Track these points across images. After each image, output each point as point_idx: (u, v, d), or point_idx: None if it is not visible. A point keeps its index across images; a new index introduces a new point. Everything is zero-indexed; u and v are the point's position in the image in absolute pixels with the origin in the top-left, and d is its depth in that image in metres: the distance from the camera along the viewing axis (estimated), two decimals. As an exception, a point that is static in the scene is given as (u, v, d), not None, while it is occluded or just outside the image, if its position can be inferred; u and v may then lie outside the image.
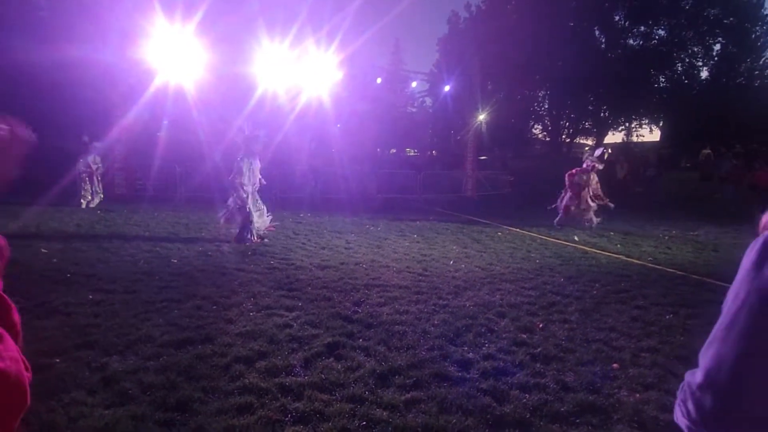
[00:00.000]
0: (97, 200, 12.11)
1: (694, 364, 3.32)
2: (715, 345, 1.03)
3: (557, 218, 11.24)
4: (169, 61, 13.55)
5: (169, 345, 3.66)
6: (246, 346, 3.69)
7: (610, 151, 11.46)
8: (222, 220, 8.30)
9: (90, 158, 12.09)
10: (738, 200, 15.19)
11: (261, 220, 8.27)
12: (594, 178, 11.07)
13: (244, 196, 7.91)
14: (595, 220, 10.96)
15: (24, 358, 0.65)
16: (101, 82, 14.34)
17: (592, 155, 11.25)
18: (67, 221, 9.32)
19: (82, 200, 11.82)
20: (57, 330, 3.85)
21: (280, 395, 2.99)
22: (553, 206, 11.54)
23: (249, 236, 7.98)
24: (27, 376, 0.64)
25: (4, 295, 0.70)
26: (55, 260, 6.17)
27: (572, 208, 10.96)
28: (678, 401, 1.08)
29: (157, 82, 13.68)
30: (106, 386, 3.02)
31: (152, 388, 3.00)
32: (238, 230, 8.08)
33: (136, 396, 2.91)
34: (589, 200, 10.96)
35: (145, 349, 3.56)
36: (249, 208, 7.96)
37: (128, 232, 8.66)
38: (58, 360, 3.31)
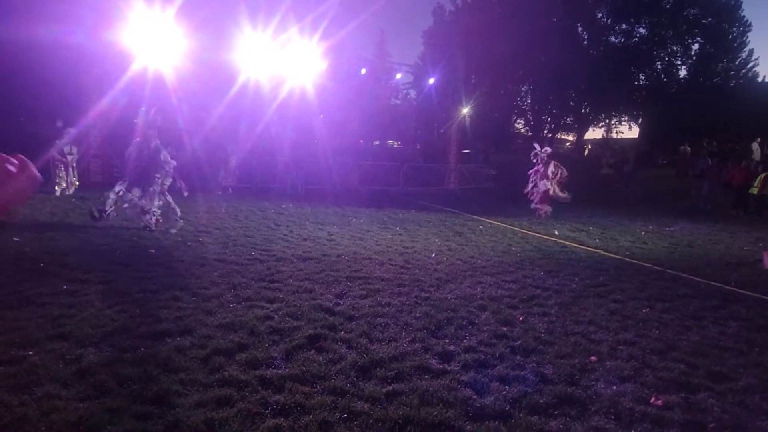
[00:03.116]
0: (72, 189, 11.76)
1: (671, 358, 3.39)
2: None
3: (539, 210, 11.90)
4: (147, 46, 13.15)
5: (147, 337, 3.58)
6: (226, 338, 3.64)
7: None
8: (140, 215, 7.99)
9: (66, 147, 11.70)
10: (713, 198, 15.60)
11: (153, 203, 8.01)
12: (552, 169, 11.92)
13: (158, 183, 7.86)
14: (548, 210, 11.89)
15: None
16: (74, 65, 13.83)
17: (541, 152, 12.20)
18: (40, 209, 9.02)
19: (56, 187, 11.46)
20: (30, 321, 3.73)
21: (260, 388, 2.96)
22: (531, 199, 12.32)
23: (151, 220, 7.77)
24: None
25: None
26: (27, 249, 5.98)
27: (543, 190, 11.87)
28: None
29: (135, 68, 13.27)
30: (81, 379, 2.94)
31: (129, 381, 2.93)
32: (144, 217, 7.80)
33: (111, 389, 2.85)
34: (554, 188, 11.82)
35: (122, 341, 3.48)
36: (155, 191, 7.86)
37: (104, 221, 8.43)
38: (30, 352, 3.21)
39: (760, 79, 35.60)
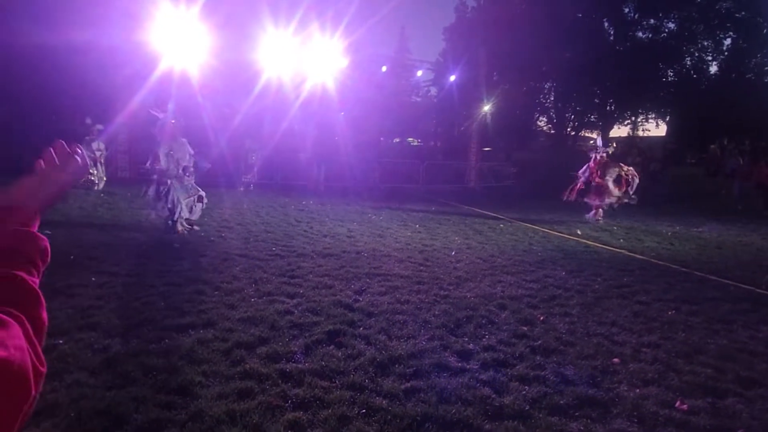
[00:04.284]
0: (101, 184, 12.11)
1: (697, 362, 3.30)
2: None
3: (590, 213, 10.86)
4: (173, 45, 13.44)
5: (171, 329, 3.67)
6: (247, 332, 3.70)
7: (615, 145, 11.26)
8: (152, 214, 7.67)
9: (94, 144, 12.05)
10: (744, 198, 15.08)
11: (187, 209, 7.48)
12: (609, 169, 10.64)
13: (167, 183, 7.26)
14: (600, 214, 10.76)
15: (41, 354, 0.64)
16: (106, 66, 14.25)
17: (597, 147, 11.05)
18: (70, 203, 9.32)
19: (94, 181, 11.84)
20: (60, 311, 3.86)
21: (280, 381, 3.01)
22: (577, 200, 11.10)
23: (174, 226, 7.25)
24: (41, 371, 0.63)
25: (39, 291, 0.70)
26: (58, 242, 6.18)
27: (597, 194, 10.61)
28: None
29: (162, 67, 13.58)
30: (108, 368, 3.03)
31: (153, 371, 3.01)
32: (164, 219, 7.40)
33: (137, 378, 2.93)
34: (612, 188, 10.50)
35: (147, 333, 3.58)
36: (174, 197, 7.22)
37: (131, 215, 8.68)
38: (61, 341, 3.33)
39: (796, 75, 34.21)
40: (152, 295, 4.40)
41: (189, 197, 7.53)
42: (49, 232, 6.59)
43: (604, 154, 10.76)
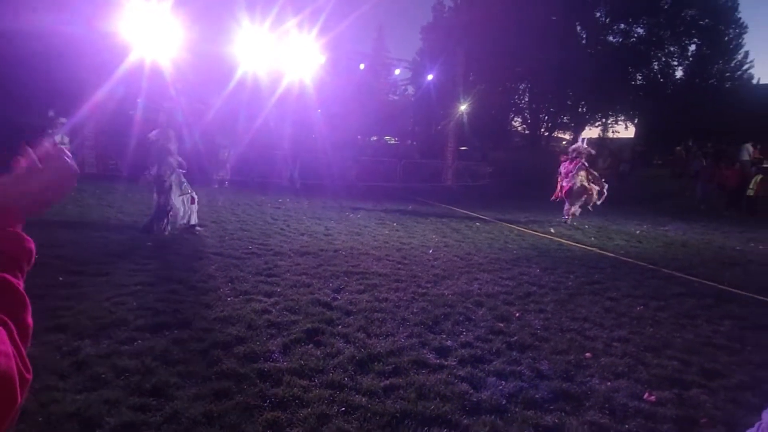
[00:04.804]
0: None
1: (664, 356, 3.42)
2: None
3: (565, 207, 10.76)
4: (144, 36, 13.05)
5: (144, 329, 3.58)
6: (224, 331, 3.64)
7: (586, 145, 11.19)
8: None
9: (57, 137, 11.62)
10: (707, 198, 15.72)
11: (184, 208, 7.29)
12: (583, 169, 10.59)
13: (167, 186, 7.06)
14: (575, 213, 10.66)
15: (26, 360, 0.62)
16: (68, 55, 13.70)
17: (581, 146, 10.84)
18: (35, 200, 8.98)
19: None
20: (25, 312, 3.72)
21: (258, 381, 2.98)
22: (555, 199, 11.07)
23: (161, 226, 7.00)
24: (27, 378, 0.60)
25: (24, 294, 0.67)
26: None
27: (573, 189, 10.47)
28: None
29: (132, 59, 13.17)
30: (78, 371, 2.94)
31: (126, 373, 2.94)
32: (148, 218, 7.19)
33: (109, 380, 2.85)
34: (587, 184, 10.45)
35: (119, 333, 3.48)
36: (168, 198, 7.04)
37: (100, 212, 8.41)
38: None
39: (755, 81, 35.78)
40: (124, 295, 4.28)
41: (182, 195, 7.27)
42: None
43: (583, 157, 10.59)
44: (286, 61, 16.15)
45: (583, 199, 10.52)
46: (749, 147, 18.52)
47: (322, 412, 2.69)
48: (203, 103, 15.64)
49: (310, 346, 3.54)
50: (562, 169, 10.84)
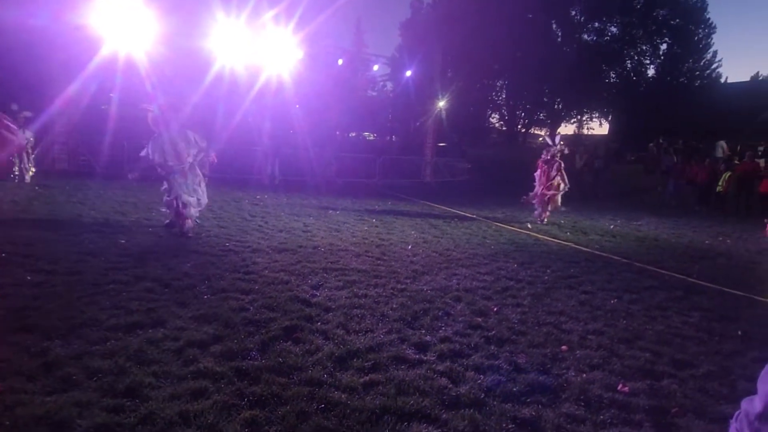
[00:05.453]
0: (28, 176, 11.25)
1: (637, 347, 3.52)
2: None
3: (536, 212, 10.53)
4: (116, 30, 12.66)
5: (117, 329, 3.49)
6: (200, 330, 3.58)
7: (563, 143, 11.16)
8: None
9: (20, 132, 11.19)
10: (678, 194, 16.19)
11: (196, 201, 7.08)
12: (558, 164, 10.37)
13: (170, 178, 6.87)
14: (546, 213, 10.44)
15: None
16: (36, 48, 13.21)
17: (554, 143, 10.58)
18: (1, 197, 8.64)
19: (15, 175, 11.00)
20: (-10, 313, 3.58)
21: (236, 379, 2.94)
22: (525, 199, 10.79)
23: (183, 223, 6.85)
24: None
25: None
26: (-13, 239, 5.72)
27: (545, 192, 10.29)
28: (732, 429, 1.03)
29: (104, 52, 12.77)
30: (48, 372, 2.84)
31: (99, 374, 2.86)
32: (171, 217, 7.03)
33: (80, 382, 2.77)
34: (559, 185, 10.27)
35: (91, 333, 3.38)
36: (177, 191, 6.84)
37: (71, 210, 8.15)
38: (-8, 345, 3.09)
39: (723, 80, 37.00)
40: (96, 294, 4.16)
41: (193, 181, 7.04)
42: (-23, 228, 6.08)
43: (556, 153, 10.38)
44: (263, 56, 15.92)
45: (552, 204, 10.40)
46: (723, 144, 19.04)
47: (301, 409, 2.67)
48: (180, 98, 15.29)
49: (289, 343, 3.51)
50: (540, 171, 10.48)
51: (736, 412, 1.06)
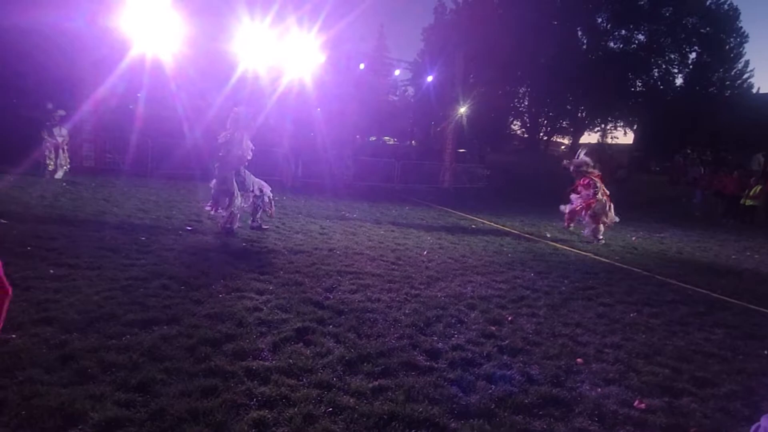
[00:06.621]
0: (61, 172, 11.62)
1: (656, 363, 3.41)
2: None
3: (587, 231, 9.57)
4: (145, 32, 13.01)
5: (133, 324, 3.55)
6: (213, 328, 3.62)
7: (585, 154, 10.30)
8: (211, 211, 7.49)
9: (55, 129, 11.57)
10: (704, 206, 15.74)
11: (241, 201, 7.45)
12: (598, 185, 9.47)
13: (229, 176, 7.24)
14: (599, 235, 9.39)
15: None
16: (70, 50, 13.66)
17: (580, 160, 9.73)
18: (30, 192, 8.92)
19: (48, 168, 11.37)
20: (14, 304, 3.65)
21: (246, 379, 2.95)
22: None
23: (233, 224, 7.24)
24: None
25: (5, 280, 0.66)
26: (15, 232, 5.90)
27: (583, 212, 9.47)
28: None
29: (133, 54, 13.13)
30: (65, 364, 2.91)
31: (113, 368, 2.91)
32: (224, 218, 7.30)
33: (95, 375, 2.82)
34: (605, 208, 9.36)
35: (108, 328, 3.45)
36: (233, 190, 7.24)
37: (95, 206, 8.36)
38: (14, 336, 3.17)
39: (754, 91, 35.90)
40: (114, 290, 4.25)
41: (245, 193, 7.49)
42: (5, 221, 6.29)
43: (587, 173, 9.55)
44: (286, 59, 16.12)
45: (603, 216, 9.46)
46: (760, 157, 18.37)
47: (309, 412, 2.66)
48: (204, 99, 15.58)
49: (300, 345, 3.51)
50: (579, 193, 9.59)
51: (754, 426, 1.03)
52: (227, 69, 15.33)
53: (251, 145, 7.50)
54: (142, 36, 12.98)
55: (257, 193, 7.69)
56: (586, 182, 9.51)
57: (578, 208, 9.47)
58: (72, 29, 12.91)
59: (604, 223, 9.44)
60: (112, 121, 14.74)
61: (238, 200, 7.34)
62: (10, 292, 0.53)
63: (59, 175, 11.50)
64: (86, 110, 13.49)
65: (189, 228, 7.27)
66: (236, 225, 7.34)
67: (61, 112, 11.82)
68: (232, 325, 3.73)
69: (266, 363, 3.18)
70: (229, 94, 15.37)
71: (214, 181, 7.43)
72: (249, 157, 7.47)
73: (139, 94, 16.67)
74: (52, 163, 11.48)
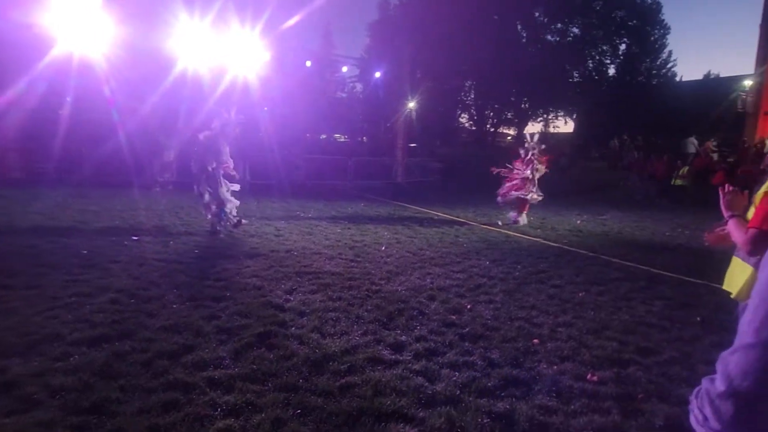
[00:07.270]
0: None
1: (604, 337, 3.61)
2: (740, 353, 1.01)
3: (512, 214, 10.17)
4: (72, 30, 12.16)
5: (81, 343, 3.36)
6: (169, 341, 3.48)
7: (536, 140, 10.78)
8: (207, 215, 7.80)
9: None
10: (640, 188, 16.80)
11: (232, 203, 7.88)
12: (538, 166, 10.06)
13: (219, 180, 7.61)
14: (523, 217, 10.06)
15: None
16: None
17: (532, 142, 10.22)
18: (-50, 209, 8.18)
19: None
20: (-59, 332, 3.38)
21: (208, 389, 2.87)
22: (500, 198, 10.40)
23: (223, 224, 7.66)
24: None
25: None
26: (-65, 254, 5.40)
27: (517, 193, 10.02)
28: (693, 407, 1.05)
29: (56, 53, 12.21)
30: (7, 392, 2.71)
31: (62, 391, 2.74)
32: (212, 220, 7.66)
33: (42, 400, 2.65)
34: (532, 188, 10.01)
35: (52, 349, 3.24)
36: (222, 193, 7.60)
37: (28, 220, 7.78)
38: (-57, 366, 2.92)
39: (678, 79, 38.60)
40: (57, 308, 3.99)
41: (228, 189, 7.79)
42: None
43: (534, 151, 10.08)
44: (229, 58, 15.63)
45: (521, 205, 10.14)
46: (694, 140, 19.54)
47: (277, 416, 2.63)
48: (139, 99, 14.82)
49: (263, 349, 3.45)
50: (515, 171, 10.15)
51: (696, 389, 1.10)
52: (165, 68, 14.66)
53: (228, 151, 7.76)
54: (69, 34, 12.11)
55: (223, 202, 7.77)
56: (527, 160, 10.07)
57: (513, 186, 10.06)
58: None
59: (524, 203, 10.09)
60: (40, 127, 13.73)
61: (226, 195, 7.65)
62: None
63: None
64: (9, 115, 12.47)
65: (135, 237, 6.93)
66: (223, 224, 7.65)
67: None
68: (190, 335, 3.61)
69: (228, 371, 3.11)
70: (168, 95, 14.73)
71: (200, 187, 7.65)
72: (228, 163, 7.75)
73: (68, 98, 15.62)
74: None
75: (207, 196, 7.59)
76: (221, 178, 7.64)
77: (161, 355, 3.25)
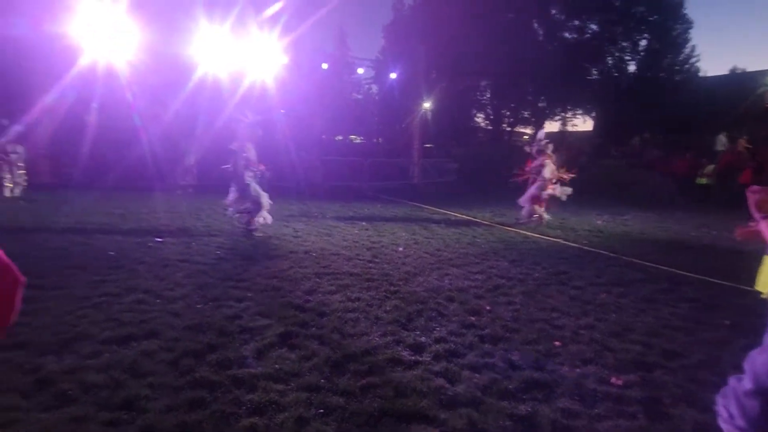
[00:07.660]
0: (18, 190, 11.09)
1: (628, 340, 3.58)
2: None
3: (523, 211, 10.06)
4: (98, 39, 12.49)
5: (111, 342, 3.46)
6: (194, 340, 3.56)
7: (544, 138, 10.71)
8: (242, 220, 8.06)
9: (10, 147, 11.03)
10: (661, 187, 16.47)
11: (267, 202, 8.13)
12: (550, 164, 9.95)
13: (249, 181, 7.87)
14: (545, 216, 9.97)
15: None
16: (17, 59, 13.01)
17: (539, 142, 10.15)
18: (-17, 212, 8.49)
19: (5, 189, 10.82)
20: (-21, 331, 3.52)
21: (233, 388, 2.93)
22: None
23: (260, 220, 7.93)
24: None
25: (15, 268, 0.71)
26: (-29, 255, 5.61)
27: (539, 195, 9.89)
28: (720, 405, 1.06)
29: (84, 62, 12.59)
30: (42, 388, 2.82)
31: (94, 388, 2.83)
32: (248, 219, 7.92)
33: (76, 397, 2.74)
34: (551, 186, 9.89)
35: (84, 348, 3.35)
36: (256, 192, 7.89)
37: (57, 222, 8.03)
38: (-18, 363, 3.04)
39: (701, 74, 37.66)
40: (87, 308, 4.12)
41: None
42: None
43: (546, 152, 9.95)
44: (247, 62, 15.85)
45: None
46: (722, 138, 18.97)
47: (300, 415, 2.67)
48: (162, 105, 15.16)
49: (284, 349, 3.51)
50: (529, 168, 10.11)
51: (723, 389, 1.10)
52: (186, 73, 14.95)
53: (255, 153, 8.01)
54: (95, 43, 12.46)
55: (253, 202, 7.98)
56: (540, 162, 9.97)
57: (536, 191, 9.92)
58: (18, 36, 12.30)
59: (544, 202, 9.97)
60: (68, 134, 14.16)
61: (264, 201, 7.95)
62: (23, 280, 0.54)
63: (17, 192, 10.98)
64: (40, 123, 12.90)
65: (159, 239, 7.09)
66: (255, 226, 7.89)
67: (17, 128, 11.27)
68: (213, 335, 3.69)
69: (252, 370, 3.17)
70: (188, 100, 15.02)
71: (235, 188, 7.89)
72: (260, 166, 8.09)
73: (94, 104, 16.05)
74: (9, 181, 10.95)
75: (248, 204, 7.87)
76: (253, 180, 7.93)
77: (187, 354, 3.33)
